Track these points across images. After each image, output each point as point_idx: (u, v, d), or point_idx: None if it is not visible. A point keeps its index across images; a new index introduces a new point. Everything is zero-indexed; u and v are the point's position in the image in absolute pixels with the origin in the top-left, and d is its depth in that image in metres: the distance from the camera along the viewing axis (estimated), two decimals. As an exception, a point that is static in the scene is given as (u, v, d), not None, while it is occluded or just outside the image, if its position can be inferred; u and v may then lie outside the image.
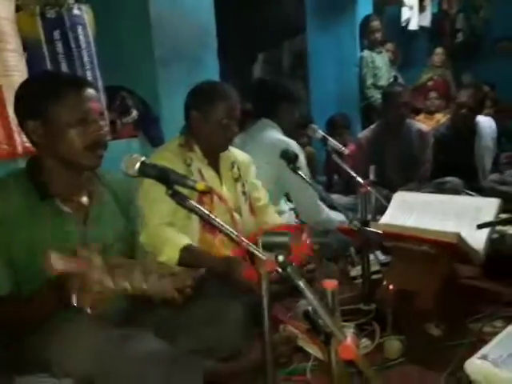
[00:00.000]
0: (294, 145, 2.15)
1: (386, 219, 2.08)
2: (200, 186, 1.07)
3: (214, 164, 1.73)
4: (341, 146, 2.18)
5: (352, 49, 4.12)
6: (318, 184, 3.37)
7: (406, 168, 3.03)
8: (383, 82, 4.15)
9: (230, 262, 1.41)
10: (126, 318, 1.22)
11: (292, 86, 2.35)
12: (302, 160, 2.15)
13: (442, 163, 3.06)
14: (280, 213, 2.22)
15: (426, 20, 5.13)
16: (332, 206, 2.17)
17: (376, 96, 4.05)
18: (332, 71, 4.16)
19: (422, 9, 4.99)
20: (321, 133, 2.18)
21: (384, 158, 3.05)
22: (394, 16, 4.85)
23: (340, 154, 2.15)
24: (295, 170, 1.74)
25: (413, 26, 4.80)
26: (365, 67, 4.03)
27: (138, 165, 1.11)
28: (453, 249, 1.61)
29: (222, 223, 1.05)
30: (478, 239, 1.78)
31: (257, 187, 1.90)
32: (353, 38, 4.12)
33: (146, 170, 1.11)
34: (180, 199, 1.07)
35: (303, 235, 1.59)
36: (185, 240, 1.51)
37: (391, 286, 1.44)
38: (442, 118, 4.40)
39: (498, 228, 2.07)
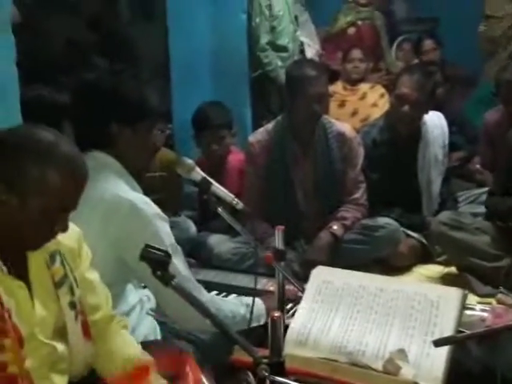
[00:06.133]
0: (151, 208, 2.02)
1: (300, 320, 2.08)
2: None
3: (19, 264, 1.59)
4: (232, 196, 2.17)
5: (237, -17, 4.05)
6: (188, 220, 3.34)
7: (326, 198, 3.14)
8: (286, 40, 4.17)
9: None
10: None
11: (151, 89, 2.19)
12: (167, 231, 2.04)
13: (375, 186, 3.22)
14: (127, 313, 2.12)
15: None
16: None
17: (275, 62, 4.04)
18: (205, 20, 4.04)
19: None
20: (200, 173, 2.14)
21: (291, 181, 3.12)
22: None
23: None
24: (167, 281, 1.62)
25: None
26: (257, 15, 4.00)
27: None
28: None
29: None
30: (434, 359, 1.87)
31: (93, 287, 1.80)
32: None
33: None
34: None
35: (187, 371, 1.61)
36: None
37: None
38: (368, 90, 4.61)
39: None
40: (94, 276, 1.82)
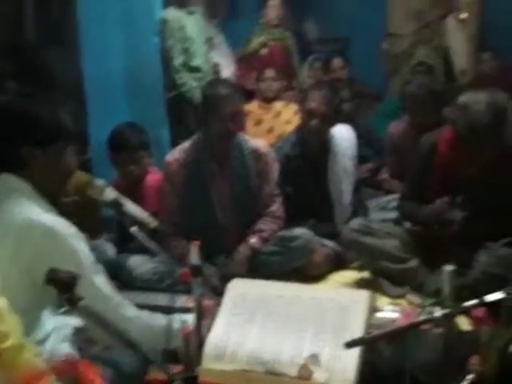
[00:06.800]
0: (66, 228, 1.96)
1: (217, 334, 2.08)
2: None
3: None
4: (146, 214, 2.14)
5: (148, 7, 4.06)
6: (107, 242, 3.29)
7: (244, 212, 3.16)
8: (199, 62, 4.21)
9: None
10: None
11: (64, 111, 2.09)
12: (84, 250, 1.98)
13: (289, 198, 3.26)
14: (43, 340, 2.04)
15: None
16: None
17: (190, 83, 4.06)
18: (118, 44, 4.03)
19: None
20: (112, 194, 2.11)
21: (209, 197, 3.13)
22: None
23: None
24: (74, 303, 1.62)
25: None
26: (170, 38, 4.05)
27: None
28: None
29: None
30: (346, 362, 1.91)
31: (1, 314, 1.70)
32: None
33: None
34: None
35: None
36: None
37: None
38: (282, 108, 4.70)
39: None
40: (1, 303, 1.73)
